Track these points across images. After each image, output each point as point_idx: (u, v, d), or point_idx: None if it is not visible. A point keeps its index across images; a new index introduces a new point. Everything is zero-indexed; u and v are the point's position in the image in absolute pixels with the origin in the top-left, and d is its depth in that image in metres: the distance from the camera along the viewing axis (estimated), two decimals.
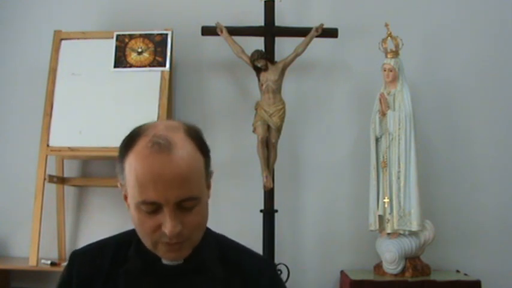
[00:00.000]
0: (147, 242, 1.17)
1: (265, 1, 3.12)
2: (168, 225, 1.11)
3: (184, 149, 1.13)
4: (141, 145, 1.13)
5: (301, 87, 3.34)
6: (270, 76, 3.00)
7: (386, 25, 3.03)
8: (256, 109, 3.02)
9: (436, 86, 3.34)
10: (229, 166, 3.24)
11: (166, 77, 3.05)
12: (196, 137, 1.18)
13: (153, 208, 1.12)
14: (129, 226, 1.33)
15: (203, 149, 1.19)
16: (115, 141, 3.29)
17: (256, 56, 2.99)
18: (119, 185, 1.22)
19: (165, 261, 1.21)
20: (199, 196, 1.15)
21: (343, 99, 3.35)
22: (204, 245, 1.23)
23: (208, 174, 1.21)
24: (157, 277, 1.21)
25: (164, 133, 1.14)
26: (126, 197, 1.20)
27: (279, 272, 2.89)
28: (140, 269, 1.21)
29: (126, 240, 1.26)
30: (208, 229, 1.27)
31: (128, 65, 3.09)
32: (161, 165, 1.10)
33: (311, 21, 3.15)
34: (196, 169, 1.15)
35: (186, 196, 1.12)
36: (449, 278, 2.91)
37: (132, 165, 1.14)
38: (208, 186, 1.23)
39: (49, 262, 2.90)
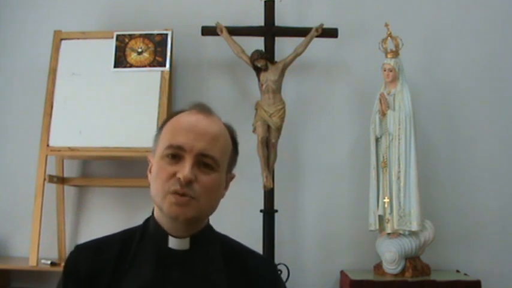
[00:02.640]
0: (159, 193, 1.21)
1: (265, 1, 3.12)
2: (184, 170, 1.18)
3: (219, 121, 1.29)
4: (184, 112, 1.28)
5: (301, 87, 3.34)
6: (270, 76, 3.00)
7: (386, 25, 3.03)
8: (256, 109, 3.03)
9: (436, 86, 3.34)
10: None
11: (166, 77, 3.05)
12: (231, 129, 1.33)
13: (176, 152, 1.21)
14: (129, 226, 1.33)
15: (234, 140, 1.33)
16: (115, 141, 3.32)
17: (256, 56, 2.99)
18: (148, 157, 1.29)
19: (171, 245, 1.24)
20: (219, 162, 1.23)
21: (343, 99, 3.35)
22: (209, 236, 1.28)
23: (231, 164, 1.31)
24: (162, 264, 1.22)
25: (208, 106, 1.30)
26: (150, 169, 1.27)
27: (279, 273, 2.90)
28: (147, 254, 1.23)
29: (131, 237, 1.27)
30: (212, 227, 1.31)
31: (128, 65, 3.09)
32: (198, 119, 1.24)
33: (311, 21, 3.15)
34: (224, 140, 1.27)
35: (209, 152, 1.21)
36: (449, 278, 2.91)
37: (171, 122, 1.26)
38: (226, 183, 1.30)
39: (49, 262, 2.90)
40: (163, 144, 1.23)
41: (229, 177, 1.31)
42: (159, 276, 1.21)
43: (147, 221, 1.30)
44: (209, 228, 1.31)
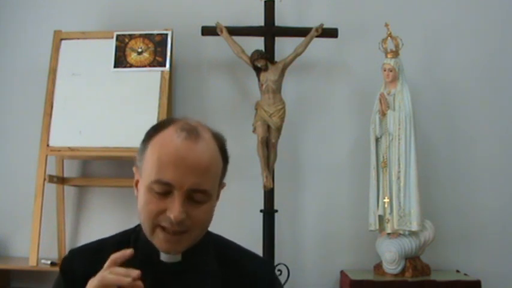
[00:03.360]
0: (147, 226, 1.17)
1: (265, 1, 3.12)
2: (175, 210, 1.12)
3: (209, 144, 1.18)
4: (169, 130, 1.17)
5: (301, 87, 3.34)
6: (270, 76, 3.00)
7: (386, 25, 3.03)
8: (256, 109, 3.03)
9: (436, 86, 3.34)
10: (229, 166, 3.24)
11: (166, 77, 3.05)
12: (221, 142, 1.23)
13: (165, 189, 1.13)
14: (129, 226, 1.33)
15: (224, 155, 1.23)
16: (115, 141, 3.32)
17: (256, 56, 2.99)
18: (134, 169, 1.23)
19: (163, 258, 1.21)
20: (211, 193, 1.17)
21: (343, 99, 3.35)
22: (202, 244, 1.24)
23: (221, 182, 1.24)
24: (155, 275, 1.21)
25: (194, 125, 1.19)
26: (137, 183, 1.22)
27: (278, 273, 2.90)
28: (139, 267, 1.22)
29: (125, 240, 1.26)
30: (207, 231, 1.28)
31: (128, 65, 3.09)
32: (186, 150, 1.14)
33: (311, 21, 3.15)
34: (215, 167, 1.19)
35: (200, 187, 1.14)
36: (449, 278, 2.91)
37: (156, 145, 1.16)
38: (218, 196, 1.24)
39: (49, 262, 2.90)
40: (150, 175, 1.14)
41: (221, 187, 1.26)
42: (151, 285, 1.19)
43: (141, 228, 1.25)
44: (202, 237, 1.26)
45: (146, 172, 1.16)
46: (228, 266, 1.26)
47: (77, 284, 1.21)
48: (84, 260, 1.24)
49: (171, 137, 1.15)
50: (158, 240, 1.17)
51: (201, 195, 1.15)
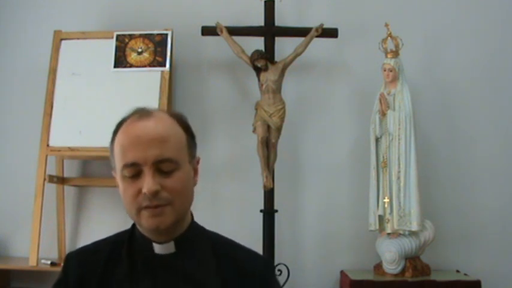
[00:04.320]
0: (132, 212, 1.20)
1: (265, 1, 3.12)
2: (146, 184, 1.16)
3: (163, 119, 1.23)
4: (126, 121, 1.23)
5: (301, 87, 3.34)
6: (270, 76, 3.00)
7: (386, 25, 3.03)
8: (256, 109, 3.03)
9: (436, 86, 3.34)
10: (229, 166, 3.25)
11: (166, 77, 3.05)
12: (178, 117, 1.27)
13: (134, 171, 1.18)
14: (129, 226, 1.33)
15: (184, 126, 1.26)
16: None
17: (256, 56, 2.99)
18: (113, 173, 1.27)
19: (157, 250, 1.23)
20: (177, 160, 1.19)
21: (343, 99, 3.35)
22: (195, 236, 1.27)
23: (191, 152, 1.26)
24: (150, 269, 1.23)
25: (148, 109, 1.25)
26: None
27: (278, 273, 2.90)
28: (134, 260, 1.24)
29: (120, 240, 1.28)
30: (201, 226, 1.31)
31: (128, 65, 3.09)
32: (140, 128, 1.19)
33: (311, 21, 3.15)
34: (174, 135, 1.21)
35: (163, 157, 1.17)
36: (449, 278, 2.91)
37: (118, 138, 1.22)
38: (195, 170, 1.27)
39: (49, 262, 2.90)
40: (119, 164, 1.20)
41: (195, 162, 1.28)
42: (147, 280, 1.22)
43: (134, 225, 1.29)
44: (194, 227, 1.29)
45: (117, 165, 1.22)
46: (224, 260, 1.27)
47: (70, 284, 1.24)
48: (78, 260, 1.27)
49: (127, 125, 1.22)
50: (144, 220, 1.19)
51: (168, 164, 1.18)
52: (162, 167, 1.17)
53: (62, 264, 1.30)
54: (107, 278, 1.23)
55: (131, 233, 1.28)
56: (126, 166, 1.18)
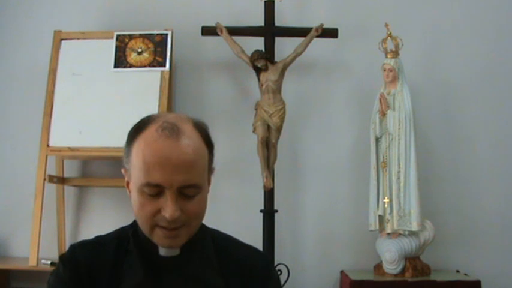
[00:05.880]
0: (145, 226, 1.19)
1: (265, 1, 3.12)
2: (169, 209, 1.14)
3: (191, 137, 1.18)
4: (150, 130, 1.17)
5: (301, 87, 3.34)
6: (270, 76, 3.00)
7: (386, 25, 3.03)
8: (256, 109, 3.02)
9: (436, 86, 3.34)
10: (229, 166, 3.24)
11: (166, 77, 3.05)
12: (203, 131, 1.23)
13: (155, 191, 1.15)
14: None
15: (208, 142, 1.23)
16: (115, 141, 3.31)
17: (256, 56, 2.99)
18: (122, 171, 1.24)
19: (162, 253, 1.22)
20: (201, 185, 1.18)
21: (343, 99, 3.35)
22: (199, 237, 1.26)
23: (210, 169, 1.24)
24: (155, 270, 1.22)
25: (174, 121, 1.18)
26: (128, 184, 1.23)
27: (278, 273, 2.90)
28: (139, 262, 1.22)
29: (124, 235, 1.27)
30: (203, 224, 1.29)
31: (128, 65, 3.09)
32: (169, 149, 1.14)
33: (311, 21, 3.14)
34: (201, 159, 1.19)
35: (189, 182, 1.15)
36: (449, 278, 2.91)
37: (140, 148, 1.16)
38: (209, 182, 1.25)
39: (49, 262, 2.90)
40: (140, 179, 1.15)
41: (210, 173, 1.27)
42: (151, 281, 1.21)
43: (136, 222, 1.26)
44: (199, 230, 1.27)
45: (135, 175, 1.17)
46: (226, 257, 1.27)
47: (80, 273, 1.22)
48: (85, 252, 1.25)
49: (152, 137, 1.16)
50: (158, 237, 1.19)
51: (192, 189, 1.16)
52: (186, 192, 1.16)
53: (63, 254, 1.26)
54: (116, 274, 1.21)
55: (135, 232, 1.26)
56: (148, 185, 1.14)
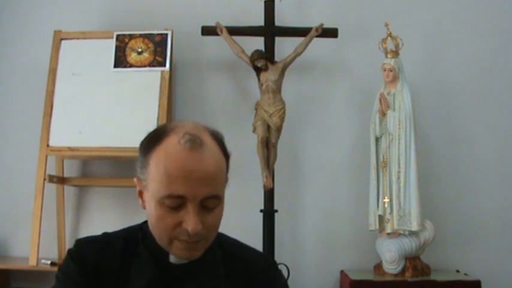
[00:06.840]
0: (163, 239, 1.17)
1: (265, 1, 3.12)
2: (191, 223, 1.13)
3: (213, 150, 1.17)
4: (171, 141, 1.15)
5: (301, 87, 3.34)
6: (270, 76, 3.00)
7: (386, 25, 3.03)
8: (256, 109, 3.02)
9: (436, 86, 3.34)
10: (229, 166, 3.24)
11: (166, 77, 3.05)
12: (220, 141, 1.22)
13: (177, 203, 1.13)
14: (129, 225, 1.33)
15: (225, 153, 1.23)
16: (115, 141, 3.32)
17: (256, 56, 2.99)
18: (135, 180, 1.22)
19: (172, 260, 1.21)
20: (222, 196, 1.18)
21: (343, 99, 3.35)
22: (210, 245, 1.24)
23: (227, 179, 1.24)
24: (163, 276, 1.21)
25: (195, 132, 1.16)
26: (141, 193, 1.21)
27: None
28: (149, 267, 1.21)
29: (132, 237, 1.26)
30: None
31: (128, 65, 3.09)
32: (193, 162, 1.13)
33: (311, 21, 3.14)
34: (222, 170, 1.19)
35: (212, 194, 1.15)
36: (449, 278, 2.91)
37: (160, 160, 1.14)
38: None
39: (49, 262, 2.90)
40: (160, 191, 1.13)
41: (226, 183, 1.26)
42: (160, 287, 1.20)
43: (147, 226, 1.24)
44: None
45: (153, 187, 1.15)
46: (232, 262, 1.27)
47: (88, 269, 1.21)
48: (93, 249, 1.23)
49: (175, 149, 1.14)
50: (176, 249, 1.17)
51: (213, 200, 1.16)
52: (207, 204, 1.15)
53: (71, 249, 1.25)
54: (124, 276, 1.21)
55: (144, 235, 1.25)
56: (170, 197, 1.12)
